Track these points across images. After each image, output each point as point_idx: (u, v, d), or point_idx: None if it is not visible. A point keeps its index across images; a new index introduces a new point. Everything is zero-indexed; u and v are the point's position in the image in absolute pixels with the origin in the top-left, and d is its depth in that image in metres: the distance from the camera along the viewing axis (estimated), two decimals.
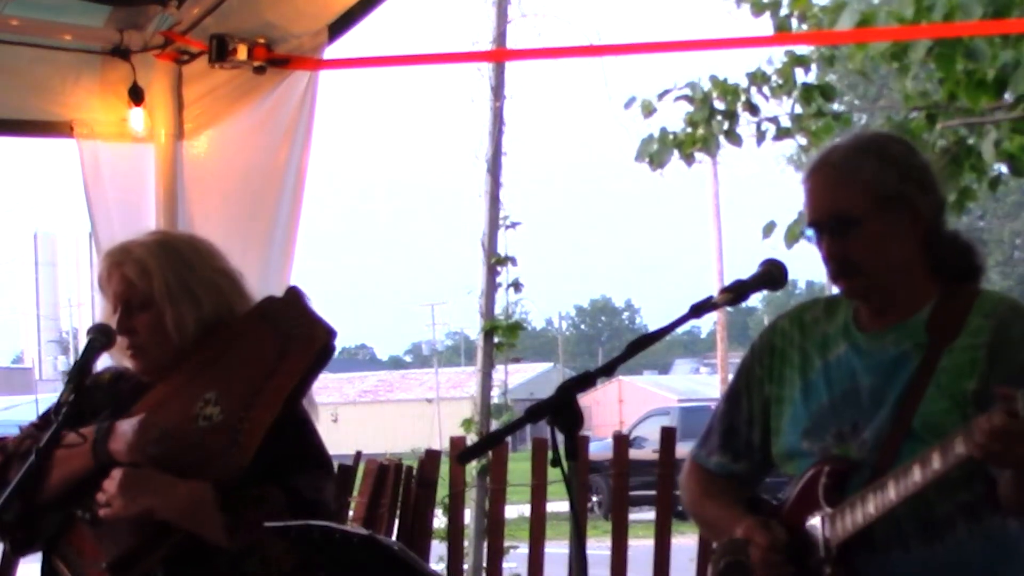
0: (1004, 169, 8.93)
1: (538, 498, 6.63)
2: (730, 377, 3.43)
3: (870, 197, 3.07)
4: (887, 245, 3.08)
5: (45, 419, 3.55)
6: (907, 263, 3.11)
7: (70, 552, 3.43)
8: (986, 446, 2.77)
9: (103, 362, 3.57)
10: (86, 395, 3.39)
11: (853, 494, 3.04)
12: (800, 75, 9.04)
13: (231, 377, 3.36)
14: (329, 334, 3.39)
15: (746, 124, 9.25)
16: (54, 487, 3.34)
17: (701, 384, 53.74)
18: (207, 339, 3.43)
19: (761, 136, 9.25)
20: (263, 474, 3.25)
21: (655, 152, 9.30)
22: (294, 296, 3.48)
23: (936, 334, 3.07)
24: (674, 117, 9.38)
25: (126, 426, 3.31)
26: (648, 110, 9.34)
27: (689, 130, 9.25)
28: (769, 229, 8.57)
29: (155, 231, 3.63)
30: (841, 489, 3.07)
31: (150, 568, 3.28)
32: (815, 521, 3.09)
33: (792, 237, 8.28)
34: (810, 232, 3.16)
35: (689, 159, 9.33)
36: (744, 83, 9.16)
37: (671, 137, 9.27)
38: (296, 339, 3.36)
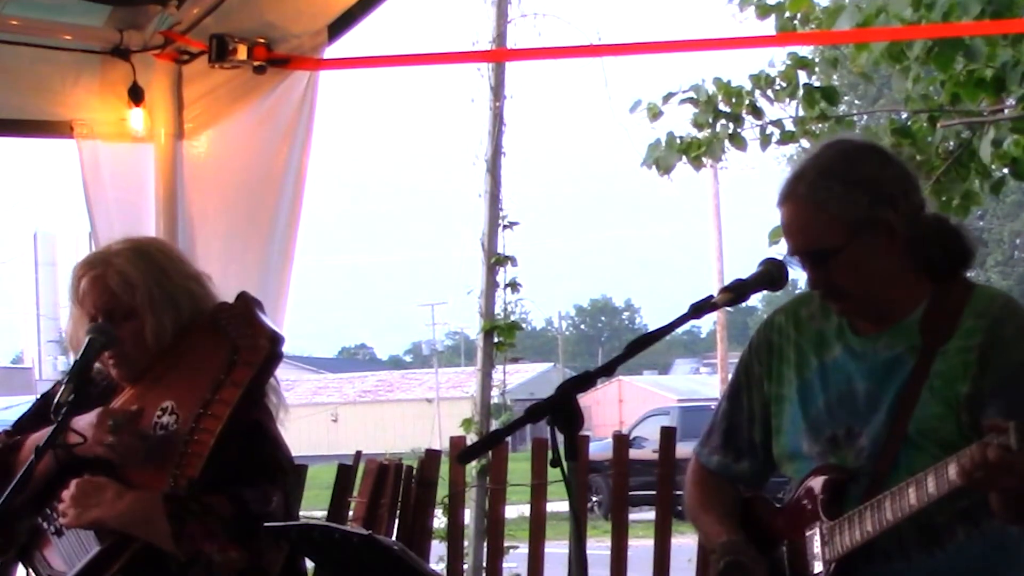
0: (1006, 171, 8.91)
1: (538, 498, 6.62)
2: (730, 377, 3.43)
3: (841, 228, 3.05)
4: (868, 266, 3.07)
5: (18, 425, 3.58)
6: (893, 275, 3.10)
7: (40, 563, 3.49)
8: (973, 475, 2.78)
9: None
10: (48, 403, 3.44)
11: (851, 508, 3.03)
12: (803, 78, 9.02)
13: (185, 387, 3.40)
14: (273, 341, 3.40)
15: (750, 128, 9.21)
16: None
17: (701, 384, 53.68)
18: (174, 344, 3.47)
19: (766, 140, 9.22)
20: (213, 483, 3.28)
21: (662, 157, 9.26)
22: (243, 303, 3.49)
23: (929, 336, 3.06)
24: (679, 120, 9.35)
25: (83, 421, 3.35)
26: (654, 114, 9.31)
27: (695, 133, 9.20)
28: (776, 235, 8.49)
29: (126, 239, 3.62)
30: (839, 500, 3.07)
31: None
32: (814, 532, 3.09)
33: None
34: (792, 260, 3.14)
35: (697, 164, 9.30)
36: (747, 86, 9.13)
37: (678, 142, 9.24)
38: (242, 349, 3.38)
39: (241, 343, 3.38)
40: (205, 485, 3.27)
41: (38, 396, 3.73)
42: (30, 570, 3.52)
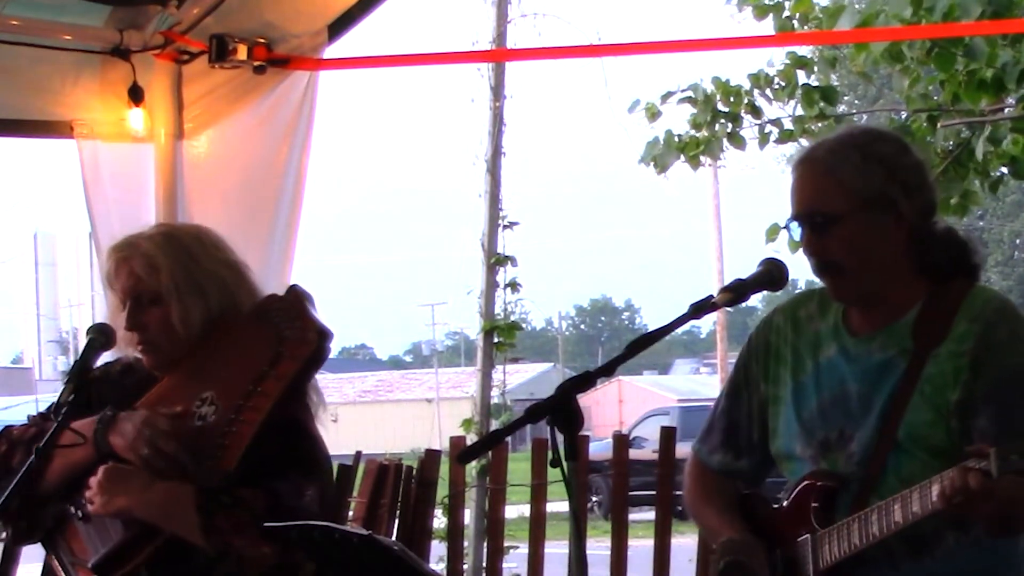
0: (1005, 170, 8.92)
1: (538, 498, 6.62)
2: (730, 372, 3.43)
3: (850, 196, 3.05)
4: (866, 244, 3.06)
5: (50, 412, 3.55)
6: (890, 263, 3.08)
7: (64, 549, 3.42)
8: (952, 500, 2.78)
9: (109, 354, 3.54)
10: (95, 386, 3.40)
11: (842, 514, 3.04)
12: (802, 77, 9.02)
13: (227, 378, 3.34)
14: (322, 336, 3.34)
15: (748, 127, 9.22)
16: (55, 477, 3.33)
17: (701, 384, 53.69)
18: (212, 333, 3.41)
19: (764, 139, 9.22)
20: (246, 476, 3.23)
21: (659, 156, 9.26)
22: (294, 296, 3.44)
23: (922, 339, 3.04)
24: (677, 119, 9.35)
25: (127, 423, 3.30)
26: (652, 114, 9.31)
27: (693, 133, 9.20)
28: (773, 233, 8.46)
29: (160, 224, 3.61)
30: (830, 507, 3.07)
31: (135, 568, 3.26)
32: (805, 540, 3.10)
33: (796, 244, 8.11)
34: (793, 224, 3.14)
35: (694, 163, 9.29)
36: (746, 85, 9.14)
37: (675, 140, 9.24)
38: (288, 341, 3.33)
39: (288, 335, 3.33)
40: (239, 479, 3.22)
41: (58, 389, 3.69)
42: (53, 557, 3.45)
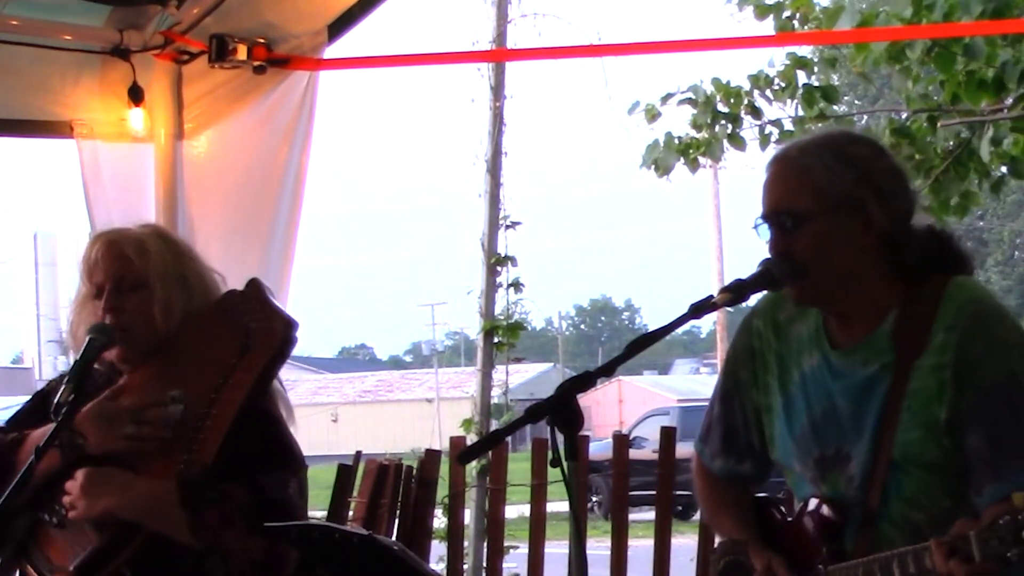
0: (1005, 170, 8.92)
1: (538, 498, 6.62)
2: (719, 376, 3.41)
3: (818, 197, 3.01)
4: (832, 247, 3.01)
5: (13, 422, 3.51)
6: (858, 269, 3.03)
7: (40, 557, 3.39)
8: None
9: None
10: (46, 401, 3.37)
11: (849, 538, 3.03)
12: (802, 78, 9.02)
13: (194, 375, 3.33)
14: (288, 326, 3.36)
15: (749, 127, 9.22)
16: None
17: (701, 384, 53.59)
18: (180, 332, 3.40)
19: (765, 140, 9.22)
20: (226, 471, 3.22)
21: (660, 158, 9.27)
22: (254, 288, 3.44)
23: (902, 350, 3.00)
24: (677, 121, 9.35)
25: (90, 418, 3.28)
26: (652, 115, 9.31)
27: (693, 134, 9.21)
28: None
29: (147, 223, 3.60)
30: (838, 536, 3.06)
31: (117, 569, 3.25)
32: (818, 572, 3.07)
33: None
34: (762, 227, 3.08)
35: (694, 165, 9.30)
36: (746, 86, 9.14)
37: (676, 142, 9.24)
38: (255, 332, 3.33)
39: (254, 327, 3.33)
40: (218, 473, 3.22)
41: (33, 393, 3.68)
42: (29, 566, 3.42)
